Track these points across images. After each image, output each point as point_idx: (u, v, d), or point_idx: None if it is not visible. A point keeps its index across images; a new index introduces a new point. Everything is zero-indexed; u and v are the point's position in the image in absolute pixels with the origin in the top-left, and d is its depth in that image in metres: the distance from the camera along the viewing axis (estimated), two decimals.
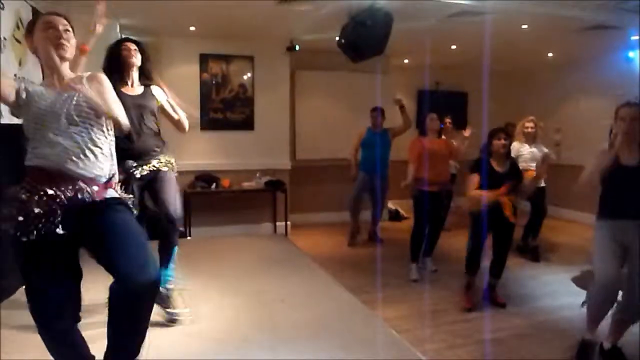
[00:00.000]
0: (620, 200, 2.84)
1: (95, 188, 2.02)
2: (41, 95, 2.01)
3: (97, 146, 2.05)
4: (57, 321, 2.02)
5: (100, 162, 2.06)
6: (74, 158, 1.98)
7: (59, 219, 1.93)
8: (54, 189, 1.94)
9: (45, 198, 1.93)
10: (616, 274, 2.80)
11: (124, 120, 2.15)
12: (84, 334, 2.16)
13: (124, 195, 2.20)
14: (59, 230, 1.92)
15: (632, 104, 2.86)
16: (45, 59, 2.07)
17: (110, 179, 2.12)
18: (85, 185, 2.00)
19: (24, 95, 1.99)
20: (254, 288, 4.10)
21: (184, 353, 2.87)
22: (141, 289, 1.89)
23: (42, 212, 1.91)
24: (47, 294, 1.98)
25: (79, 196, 1.98)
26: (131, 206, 2.19)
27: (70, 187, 1.97)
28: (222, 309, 3.62)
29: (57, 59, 2.04)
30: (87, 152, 2.02)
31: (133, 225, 2.06)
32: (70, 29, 2.08)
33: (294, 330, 3.26)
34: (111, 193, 2.10)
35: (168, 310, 3.25)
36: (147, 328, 2.06)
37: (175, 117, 3.33)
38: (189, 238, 6.00)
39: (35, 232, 1.90)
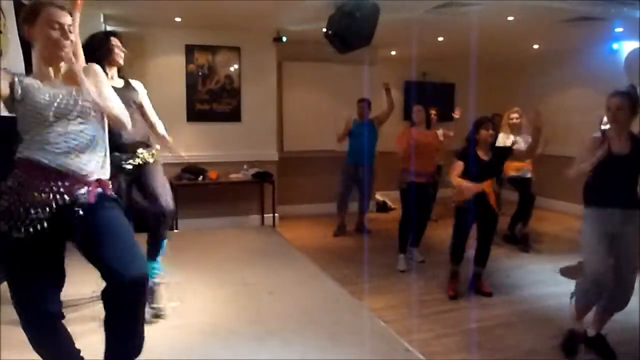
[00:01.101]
0: (608, 188, 2.86)
1: (89, 187, 2.00)
2: (38, 89, 1.97)
3: (95, 143, 2.03)
4: (41, 314, 1.99)
5: (97, 160, 2.05)
6: (71, 155, 1.95)
7: (50, 214, 1.92)
8: (50, 184, 1.92)
9: (37, 193, 1.90)
10: (606, 268, 2.82)
11: (126, 117, 2.16)
12: (70, 329, 2.15)
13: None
14: (45, 225, 1.91)
15: (619, 92, 2.89)
16: (44, 55, 2.01)
17: (103, 176, 2.10)
18: (80, 183, 1.98)
19: (19, 90, 1.94)
20: (241, 280, 4.10)
21: (171, 346, 2.87)
22: (131, 284, 1.87)
23: (34, 206, 1.89)
24: (32, 287, 1.96)
25: (73, 193, 1.96)
26: (120, 201, 2.18)
27: (66, 184, 1.95)
28: (209, 302, 3.62)
29: (58, 59, 2.01)
30: (86, 150, 1.99)
31: (122, 221, 2.04)
32: (72, 24, 2.05)
33: (282, 322, 3.27)
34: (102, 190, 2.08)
35: (152, 305, 3.22)
36: (143, 328, 2.06)
37: (151, 119, 3.33)
38: (175, 230, 5.96)
39: (26, 227, 1.89)
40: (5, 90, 1.92)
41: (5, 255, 1.96)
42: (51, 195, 1.92)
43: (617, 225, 2.83)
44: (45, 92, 1.96)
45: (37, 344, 2.04)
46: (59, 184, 1.94)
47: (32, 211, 1.90)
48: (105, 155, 2.11)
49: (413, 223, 4.85)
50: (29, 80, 1.99)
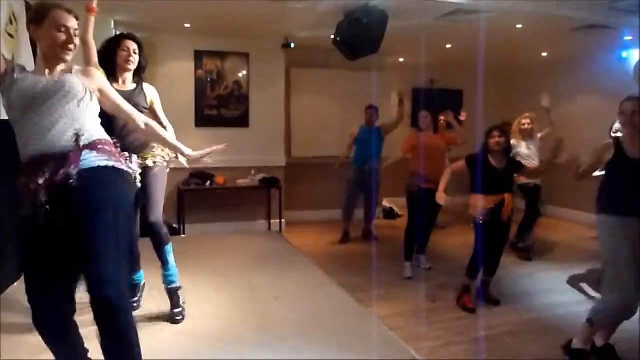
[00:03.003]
0: (626, 195, 2.79)
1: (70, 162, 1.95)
2: (33, 80, 2.00)
3: (83, 122, 2.03)
4: (50, 308, 2.00)
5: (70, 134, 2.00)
6: (64, 139, 1.96)
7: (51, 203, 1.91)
8: (50, 172, 1.92)
9: (42, 183, 1.90)
10: (635, 286, 2.68)
11: (138, 116, 2.28)
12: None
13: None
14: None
15: (633, 97, 2.90)
16: (47, 56, 2.04)
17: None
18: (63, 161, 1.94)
19: (14, 75, 1.99)
20: (247, 286, 4.09)
21: (177, 351, 2.86)
22: (101, 305, 1.82)
23: (43, 198, 1.89)
24: (42, 281, 1.97)
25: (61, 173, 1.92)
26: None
27: (52, 165, 1.93)
28: (215, 307, 3.61)
29: (60, 60, 2.04)
30: (72, 131, 1.98)
31: (117, 229, 1.94)
32: (78, 28, 2.08)
33: (288, 328, 3.25)
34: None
35: (174, 310, 3.25)
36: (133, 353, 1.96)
37: (162, 124, 3.28)
38: (183, 236, 5.98)
39: (40, 219, 1.88)
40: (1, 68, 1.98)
41: (21, 251, 1.99)
42: (51, 182, 1.90)
43: (636, 233, 2.73)
44: (40, 83, 2.00)
45: (47, 339, 2.05)
46: (46, 168, 1.92)
47: (44, 202, 1.89)
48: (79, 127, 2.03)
49: (419, 230, 4.81)
50: (27, 74, 2.03)
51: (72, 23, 2.03)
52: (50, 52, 2.03)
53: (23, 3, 3.94)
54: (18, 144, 2.00)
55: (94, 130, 2.07)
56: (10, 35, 3.70)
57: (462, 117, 5.70)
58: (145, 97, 3.24)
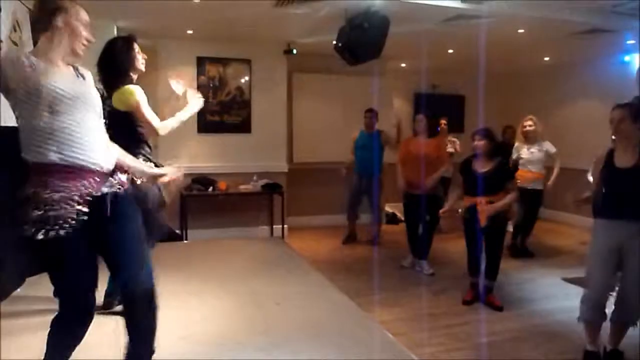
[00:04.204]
0: (615, 201, 2.86)
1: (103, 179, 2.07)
2: (63, 76, 1.97)
3: (104, 135, 2.12)
4: (82, 305, 2.09)
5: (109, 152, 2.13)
6: (100, 151, 2.03)
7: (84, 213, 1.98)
8: (85, 184, 1.98)
9: (69, 195, 1.94)
10: (607, 283, 2.87)
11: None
12: None
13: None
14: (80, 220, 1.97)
15: (620, 105, 2.89)
16: (65, 47, 2.01)
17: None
18: (112, 178, 2.09)
19: (31, 64, 1.91)
20: (249, 291, 4.09)
21: (178, 356, 2.85)
22: (135, 296, 2.09)
23: (67, 210, 1.93)
24: (76, 276, 2.05)
25: (105, 190, 2.05)
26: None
27: (98, 181, 2.02)
28: (217, 312, 3.61)
29: (76, 55, 2.05)
30: (105, 143, 2.10)
31: (137, 227, 2.18)
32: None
33: (289, 333, 3.25)
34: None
35: None
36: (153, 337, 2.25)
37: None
38: (185, 241, 5.98)
39: (59, 230, 1.92)
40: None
41: (41, 257, 2.06)
42: (85, 197, 1.98)
43: (625, 237, 2.81)
44: (61, 80, 1.96)
45: (66, 335, 2.12)
46: (94, 182, 2.01)
47: (69, 213, 1.94)
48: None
49: (413, 231, 4.96)
50: (39, 64, 1.94)
51: (88, 23, 2.07)
52: (69, 45, 2.01)
53: (27, 10, 3.96)
54: (33, 143, 1.93)
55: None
56: (15, 43, 3.72)
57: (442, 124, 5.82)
58: None
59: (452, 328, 3.60)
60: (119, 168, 2.14)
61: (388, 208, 7.54)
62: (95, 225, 2.01)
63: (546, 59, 7.23)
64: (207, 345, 3.05)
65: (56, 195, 1.91)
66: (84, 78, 2.08)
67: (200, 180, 6.10)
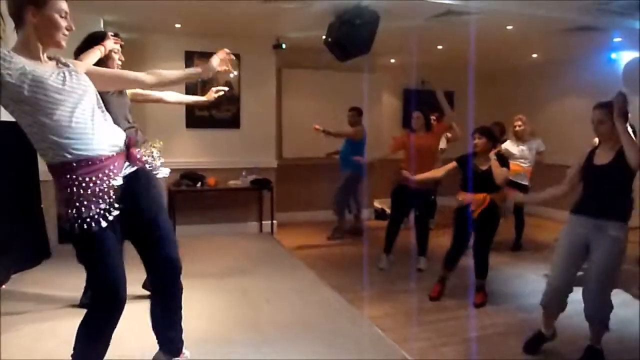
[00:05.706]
0: (586, 197, 2.94)
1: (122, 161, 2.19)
2: (55, 73, 1.96)
3: (107, 116, 2.19)
4: (118, 296, 2.12)
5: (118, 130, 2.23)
6: (110, 133, 2.12)
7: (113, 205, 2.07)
8: (107, 173, 2.06)
9: (96, 188, 2.01)
10: (565, 276, 2.95)
11: (139, 74, 2.43)
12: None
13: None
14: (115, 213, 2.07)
15: (600, 104, 2.89)
16: (43, 39, 1.98)
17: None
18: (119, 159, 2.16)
19: (20, 63, 1.88)
20: (238, 287, 4.08)
21: None
22: (172, 265, 2.39)
23: (97, 204, 2.01)
24: (117, 268, 2.13)
25: (128, 171, 2.19)
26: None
27: (118, 164, 2.13)
28: (206, 309, 3.59)
29: (57, 46, 2.01)
30: (110, 123, 2.18)
31: (165, 203, 2.46)
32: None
33: (279, 330, 3.25)
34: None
35: None
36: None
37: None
38: None
39: (103, 220, 2.02)
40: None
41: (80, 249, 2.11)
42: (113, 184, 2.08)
43: (591, 233, 2.85)
44: (66, 81, 1.99)
45: (95, 327, 2.16)
46: (119, 168, 2.13)
47: (107, 203, 2.04)
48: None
49: (396, 226, 4.96)
50: (36, 70, 1.92)
51: (67, 8, 2.03)
52: (48, 38, 1.98)
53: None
54: (46, 146, 1.96)
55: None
56: None
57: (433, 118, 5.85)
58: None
59: (440, 323, 3.62)
60: (133, 144, 2.23)
61: (377, 204, 7.56)
62: (126, 209, 2.10)
63: (534, 55, 7.28)
64: (197, 342, 3.03)
65: (84, 192, 1.98)
66: (67, 67, 2.05)
67: (189, 176, 6.06)
